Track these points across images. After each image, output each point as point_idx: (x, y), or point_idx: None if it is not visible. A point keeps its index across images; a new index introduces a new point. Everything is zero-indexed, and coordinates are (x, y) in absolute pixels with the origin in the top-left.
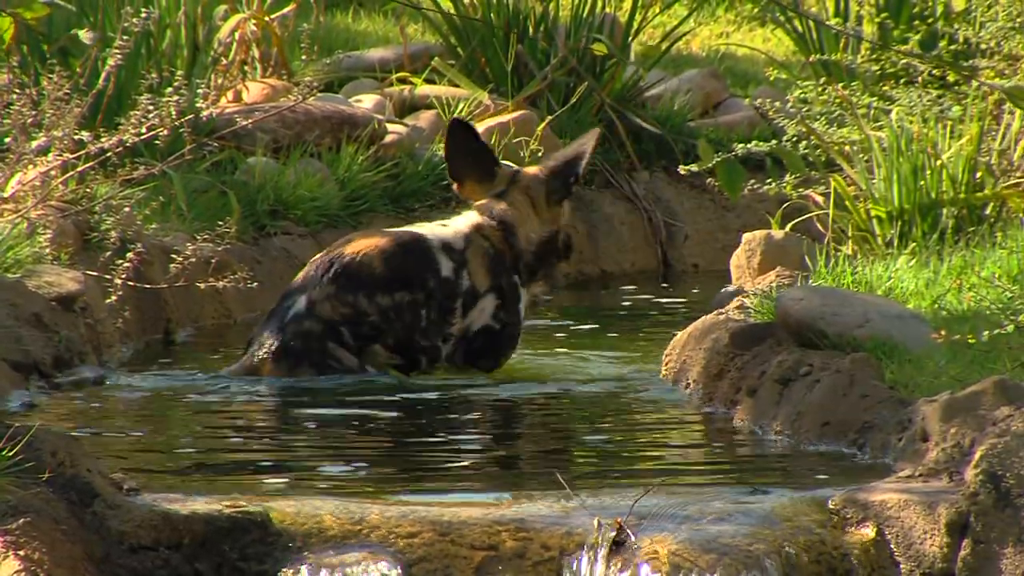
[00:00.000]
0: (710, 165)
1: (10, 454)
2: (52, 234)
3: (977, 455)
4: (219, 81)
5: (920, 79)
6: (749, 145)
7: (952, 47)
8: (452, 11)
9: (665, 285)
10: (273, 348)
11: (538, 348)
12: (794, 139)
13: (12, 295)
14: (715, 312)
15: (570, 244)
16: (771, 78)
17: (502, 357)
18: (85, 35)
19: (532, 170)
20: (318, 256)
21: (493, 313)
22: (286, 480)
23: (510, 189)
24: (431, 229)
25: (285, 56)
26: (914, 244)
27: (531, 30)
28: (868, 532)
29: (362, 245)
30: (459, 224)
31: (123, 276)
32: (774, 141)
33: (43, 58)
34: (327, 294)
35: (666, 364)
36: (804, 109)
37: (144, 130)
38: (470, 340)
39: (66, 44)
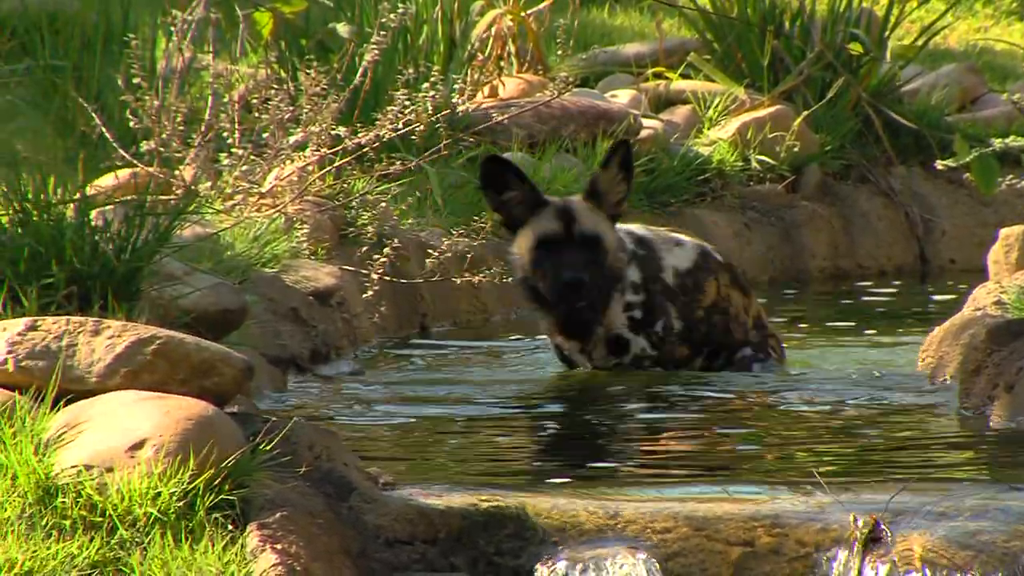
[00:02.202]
0: (966, 161)
1: (268, 448)
2: (309, 229)
3: None
4: (475, 76)
5: None
6: (1006, 140)
7: None
8: (709, 7)
9: (922, 281)
10: None
11: (793, 342)
12: None
13: (270, 290)
14: (972, 308)
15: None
16: None
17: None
18: (343, 28)
19: None
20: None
21: None
22: (539, 474)
23: None
24: None
25: (541, 51)
26: None
27: (787, 25)
28: None
29: None
30: None
31: (379, 271)
32: None
33: (301, 53)
34: None
35: (923, 360)
36: None
37: (400, 125)
38: None
39: (324, 38)
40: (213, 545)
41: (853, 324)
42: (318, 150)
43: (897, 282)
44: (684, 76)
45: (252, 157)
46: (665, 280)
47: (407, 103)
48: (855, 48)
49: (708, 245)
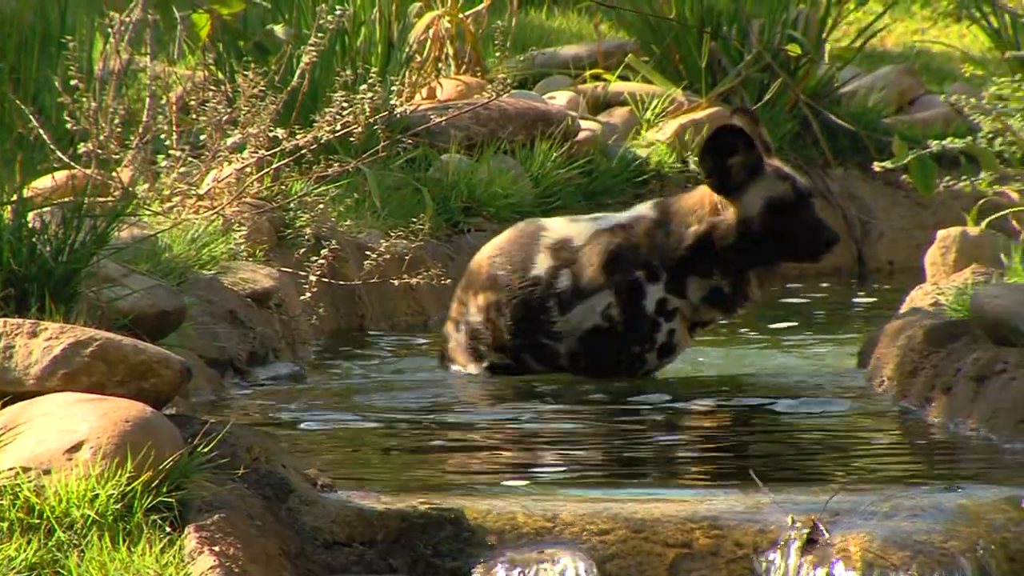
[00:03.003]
0: (904, 162)
1: (206, 450)
2: (247, 231)
3: None
4: (413, 78)
5: None
6: (944, 142)
7: None
8: (646, 9)
9: (860, 282)
10: None
11: (731, 345)
12: (989, 136)
13: (207, 292)
14: (909, 309)
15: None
16: (966, 74)
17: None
18: (280, 30)
19: None
20: None
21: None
22: (477, 477)
23: None
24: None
25: (479, 53)
26: None
27: (725, 27)
28: None
29: None
30: None
31: (317, 273)
32: (969, 138)
33: (239, 55)
34: None
35: (860, 361)
36: (1000, 106)
37: (338, 127)
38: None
39: (261, 39)
40: (151, 547)
41: (791, 325)
42: (256, 152)
43: (832, 284)
44: (622, 78)
45: (190, 159)
46: None
47: (345, 105)
48: (793, 50)
49: None
